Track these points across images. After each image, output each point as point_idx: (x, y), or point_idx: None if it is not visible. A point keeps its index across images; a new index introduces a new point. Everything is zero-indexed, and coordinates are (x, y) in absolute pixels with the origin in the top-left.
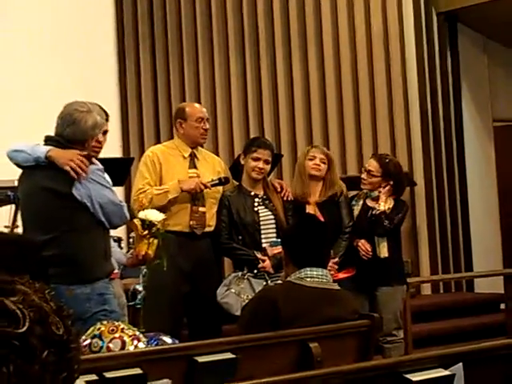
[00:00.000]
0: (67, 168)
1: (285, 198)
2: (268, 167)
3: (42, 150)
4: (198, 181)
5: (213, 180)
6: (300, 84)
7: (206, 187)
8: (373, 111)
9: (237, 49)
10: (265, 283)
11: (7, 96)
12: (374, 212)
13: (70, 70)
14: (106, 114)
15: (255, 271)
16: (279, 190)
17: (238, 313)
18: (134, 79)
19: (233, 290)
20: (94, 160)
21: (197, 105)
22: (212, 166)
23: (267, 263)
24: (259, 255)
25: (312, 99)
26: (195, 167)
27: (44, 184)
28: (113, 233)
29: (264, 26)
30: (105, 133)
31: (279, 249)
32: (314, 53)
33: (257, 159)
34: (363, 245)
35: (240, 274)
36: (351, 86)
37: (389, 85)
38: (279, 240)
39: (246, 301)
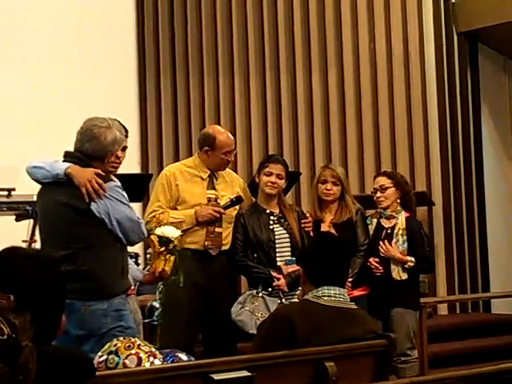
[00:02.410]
0: (83, 190)
1: (302, 226)
2: (281, 182)
3: (61, 166)
4: (211, 211)
5: (226, 203)
6: (319, 104)
7: (219, 213)
8: (392, 131)
9: (257, 69)
10: (279, 301)
11: (27, 111)
12: (388, 231)
13: (91, 86)
14: (126, 130)
15: (270, 289)
16: (305, 217)
17: (252, 331)
18: (154, 96)
19: (247, 308)
20: (112, 177)
21: (227, 134)
22: (231, 186)
23: (282, 281)
24: (274, 273)
25: (331, 119)
26: (214, 188)
27: (62, 200)
28: (129, 249)
29: (285, 46)
30: (124, 149)
31: (294, 267)
32: (335, 73)
33: (269, 174)
34: (373, 260)
35: (254, 292)
36: (371, 106)
37: (408, 104)
38: (294, 258)
39: (261, 319)
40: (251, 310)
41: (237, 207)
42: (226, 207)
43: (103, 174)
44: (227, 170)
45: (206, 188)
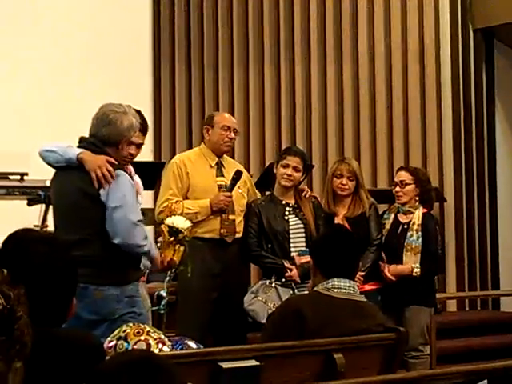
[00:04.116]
0: (93, 175)
1: (303, 194)
2: (298, 175)
3: (74, 151)
4: (222, 197)
5: (230, 183)
6: (333, 97)
7: (230, 197)
8: (405, 125)
9: (272, 60)
10: (291, 292)
11: (41, 96)
12: (404, 226)
13: (105, 74)
14: (146, 125)
15: (283, 280)
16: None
17: (264, 321)
18: (168, 84)
19: (260, 298)
20: (128, 167)
21: (227, 114)
22: None
23: (294, 272)
24: (287, 264)
25: (345, 112)
26: (223, 175)
27: (75, 184)
28: None
29: (300, 38)
30: (139, 146)
31: (307, 258)
32: (350, 68)
33: (286, 166)
34: (387, 273)
35: (267, 282)
36: (385, 100)
37: (423, 100)
38: (307, 249)
39: (273, 309)
40: (264, 300)
41: (245, 195)
42: (231, 188)
43: (115, 162)
44: (232, 160)
45: (215, 175)
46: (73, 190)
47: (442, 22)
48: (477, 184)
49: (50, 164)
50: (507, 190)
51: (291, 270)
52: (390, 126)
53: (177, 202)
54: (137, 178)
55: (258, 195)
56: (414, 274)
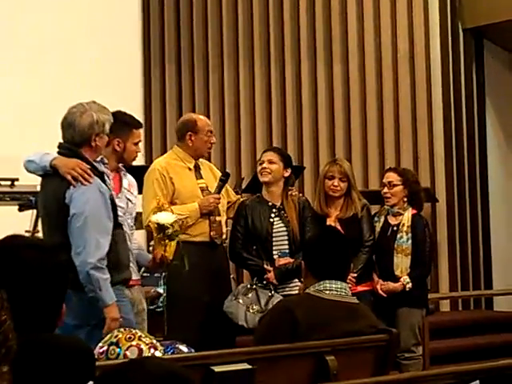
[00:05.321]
0: (68, 177)
1: (289, 193)
2: (274, 167)
3: (48, 158)
4: (212, 199)
5: (218, 185)
6: (324, 99)
7: (219, 198)
8: (396, 126)
9: (262, 62)
10: (270, 294)
11: (30, 100)
12: (394, 228)
13: (95, 77)
14: (138, 122)
15: (264, 282)
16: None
17: (242, 323)
18: (159, 89)
19: (240, 300)
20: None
21: (203, 117)
22: (212, 174)
23: (271, 274)
24: (266, 266)
25: (336, 114)
26: (202, 177)
27: (51, 190)
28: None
29: (290, 40)
30: (136, 143)
31: (286, 260)
32: (340, 69)
33: (261, 162)
34: (378, 289)
35: (248, 284)
36: (375, 101)
37: (413, 100)
38: (287, 251)
39: (251, 311)
40: (242, 302)
41: (224, 195)
42: (219, 190)
43: (87, 166)
44: (204, 161)
45: (195, 178)
46: (49, 195)
47: (431, 21)
48: (468, 184)
49: (33, 173)
50: (499, 189)
51: (270, 271)
52: (380, 126)
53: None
54: (130, 177)
55: (233, 194)
56: (406, 289)
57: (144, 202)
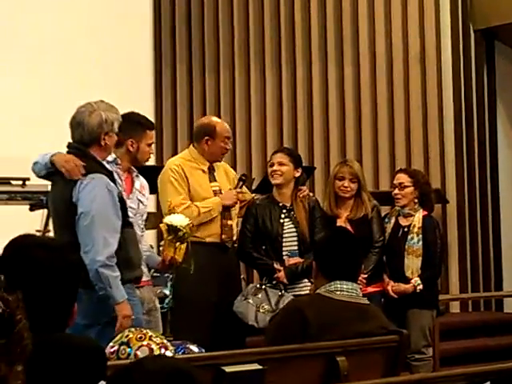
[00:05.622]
0: (63, 170)
1: (299, 194)
2: (284, 168)
3: (49, 156)
4: (235, 191)
5: (238, 185)
6: (335, 99)
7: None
8: (407, 128)
9: (273, 63)
10: (280, 294)
11: (42, 100)
12: (404, 229)
13: (106, 78)
14: (151, 123)
15: (274, 282)
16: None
17: (252, 323)
18: (170, 89)
19: (249, 300)
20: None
21: (223, 122)
22: (227, 176)
23: (281, 273)
24: (276, 265)
25: (346, 115)
26: (215, 180)
27: (59, 191)
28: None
29: (301, 42)
30: (150, 144)
31: (296, 259)
32: (351, 70)
33: (271, 165)
34: (389, 290)
35: (258, 284)
36: (386, 103)
37: (424, 102)
38: (297, 251)
39: (261, 311)
40: (252, 302)
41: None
42: (240, 187)
43: (83, 164)
44: (221, 163)
45: (208, 181)
46: (57, 195)
47: (442, 23)
48: (479, 185)
49: (38, 175)
50: (509, 191)
51: (279, 271)
52: (391, 127)
53: (189, 206)
54: (142, 179)
55: (248, 193)
56: (417, 290)
57: (162, 198)
